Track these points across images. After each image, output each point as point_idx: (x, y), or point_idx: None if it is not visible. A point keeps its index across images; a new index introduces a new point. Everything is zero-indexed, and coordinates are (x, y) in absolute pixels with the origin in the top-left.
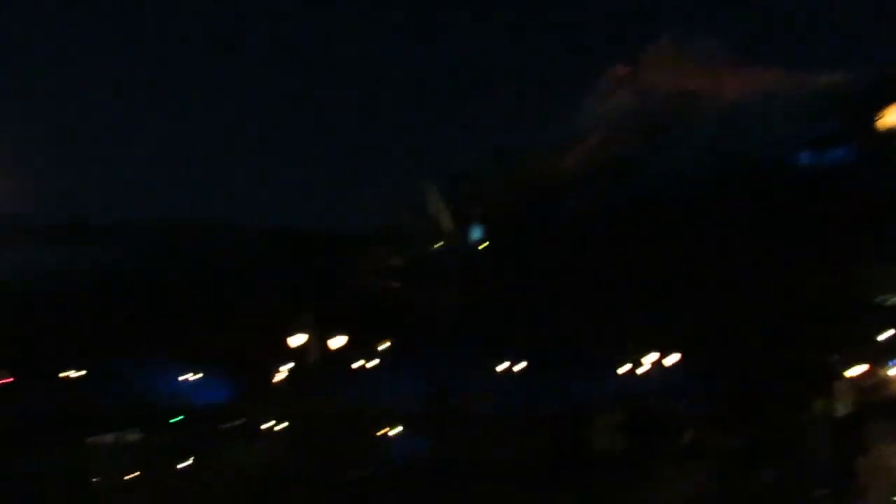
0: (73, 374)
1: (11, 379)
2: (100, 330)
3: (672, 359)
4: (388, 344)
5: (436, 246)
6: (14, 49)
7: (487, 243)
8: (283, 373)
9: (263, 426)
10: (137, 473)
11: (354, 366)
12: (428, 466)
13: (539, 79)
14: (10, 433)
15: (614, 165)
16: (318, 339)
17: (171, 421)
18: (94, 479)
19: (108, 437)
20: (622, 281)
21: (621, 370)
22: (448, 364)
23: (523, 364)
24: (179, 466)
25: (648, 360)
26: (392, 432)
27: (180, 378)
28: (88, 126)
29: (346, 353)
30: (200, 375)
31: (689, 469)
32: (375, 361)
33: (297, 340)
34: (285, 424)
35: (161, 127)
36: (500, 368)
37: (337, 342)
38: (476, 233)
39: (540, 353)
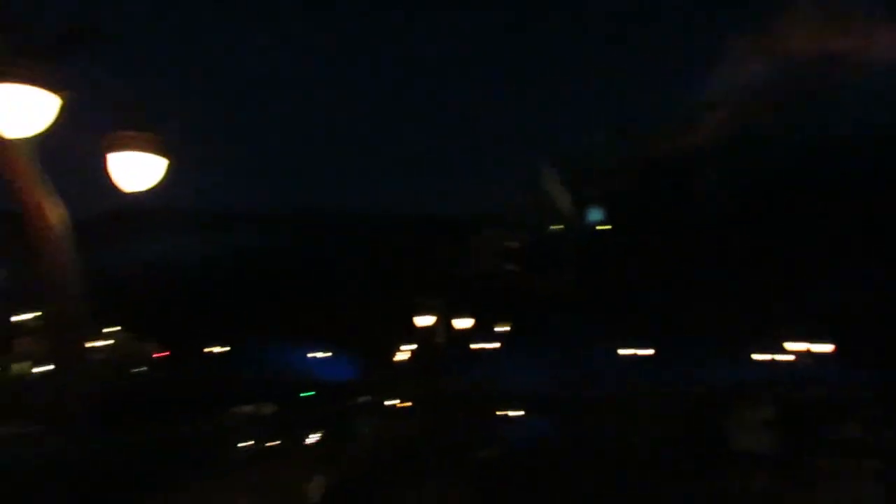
0: (217, 350)
1: (168, 353)
2: (241, 311)
3: (824, 345)
4: (508, 327)
5: (554, 228)
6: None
7: (608, 225)
8: (408, 353)
9: (388, 403)
10: (273, 443)
11: (477, 347)
12: (551, 449)
13: (664, 49)
14: (165, 399)
15: (749, 139)
16: (444, 320)
17: (303, 396)
18: (235, 446)
19: (247, 408)
20: (760, 262)
21: (763, 357)
22: (569, 347)
23: (650, 350)
24: (309, 440)
25: (797, 346)
26: (515, 414)
27: (312, 356)
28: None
29: (470, 335)
30: (331, 354)
31: (855, 470)
32: (496, 344)
33: (423, 321)
34: (411, 403)
35: (300, 121)
36: (623, 353)
37: (462, 324)
38: (595, 214)
39: (668, 338)
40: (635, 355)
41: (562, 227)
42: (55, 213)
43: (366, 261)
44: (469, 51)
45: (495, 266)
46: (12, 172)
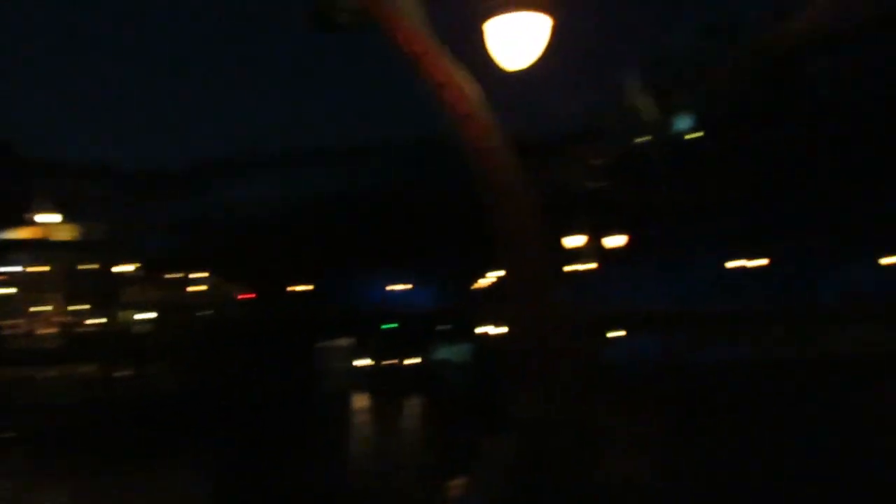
0: (301, 288)
1: (254, 295)
2: (323, 249)
3: None
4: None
5: (640, 140)
6: None
7: (700, 132)
8: (493, 279)
9: (478, 330)
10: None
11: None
12: (656, 367)
13: None
14: (256, 337)
15: (871, 21)
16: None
17: (384, 327)
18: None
19: (341, 342)
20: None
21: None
22: (674, 264)
23: (762, 261)
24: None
25: None
26: (617, 334)
27: (392, 288)
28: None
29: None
30: (411, 286)
31: None
32: (593, 264)
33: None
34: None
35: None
36: (731, 266)
37: (573, 242)
38: (685, 122)
39: (781, 248)
40: (745, 267)
41: (649, 137)
42: (469, 86)
43: (452, 185)
44: None
45: (581, 184)
46: (414, 47)
